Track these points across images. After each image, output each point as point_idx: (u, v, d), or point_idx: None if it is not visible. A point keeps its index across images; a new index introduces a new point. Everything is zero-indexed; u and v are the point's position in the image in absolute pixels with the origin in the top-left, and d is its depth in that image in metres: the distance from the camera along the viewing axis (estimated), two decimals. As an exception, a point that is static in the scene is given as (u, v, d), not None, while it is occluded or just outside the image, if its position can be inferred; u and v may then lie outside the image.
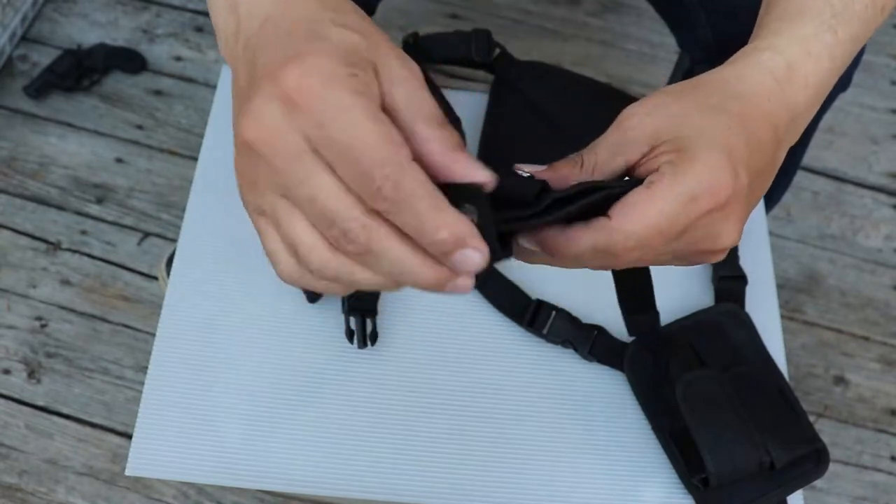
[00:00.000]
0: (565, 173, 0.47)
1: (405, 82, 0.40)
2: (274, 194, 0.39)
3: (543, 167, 0.48)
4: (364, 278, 0.39)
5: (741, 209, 0.46)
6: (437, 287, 0.39)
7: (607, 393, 0.75)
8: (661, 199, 0.44)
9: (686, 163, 0.45)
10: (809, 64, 0.51)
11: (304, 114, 0.37)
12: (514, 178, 0.45)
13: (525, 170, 0.46)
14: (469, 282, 0.39)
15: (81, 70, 1.43)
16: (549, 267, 0.49)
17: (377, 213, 0.38)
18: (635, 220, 0.44)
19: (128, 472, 0.68)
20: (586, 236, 0.45)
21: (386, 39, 0.42)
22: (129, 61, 1.47)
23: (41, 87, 1.41)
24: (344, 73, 0.38)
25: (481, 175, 0.39)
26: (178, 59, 1.50)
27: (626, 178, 0.48)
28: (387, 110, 0.39)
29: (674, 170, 0.45)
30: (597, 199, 0.44)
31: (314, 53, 0.38)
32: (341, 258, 0.39)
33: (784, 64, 0.50)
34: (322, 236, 0.39)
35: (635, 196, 0.45)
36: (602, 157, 0.47)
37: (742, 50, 0.52)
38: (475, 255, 0.37)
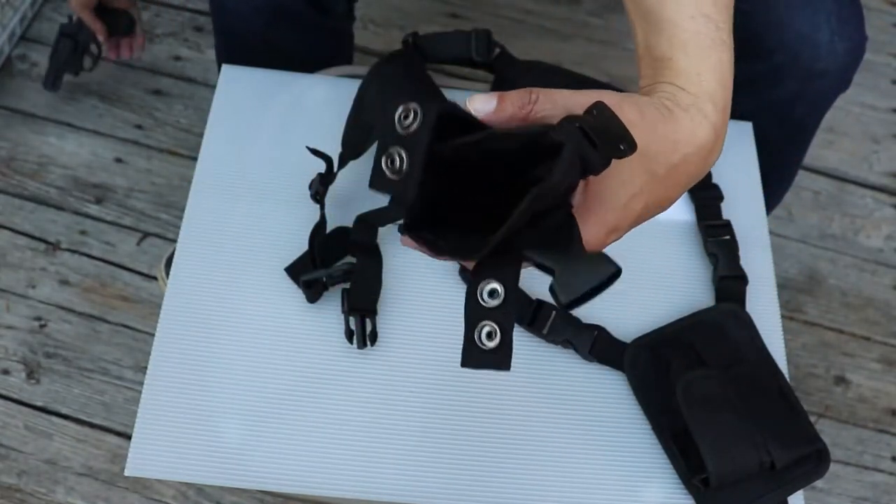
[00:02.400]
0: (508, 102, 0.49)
1: None
2: None
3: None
4: None
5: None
6: None
7: (607, 393, 0.75)
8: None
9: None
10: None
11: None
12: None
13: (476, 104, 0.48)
14: None
15: (80, 49, 1.39)
16: (548, 267, 0.50)
17: None
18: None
19: (127, 473, 0.68)
20: None
21: None
22: (118, 22, 1.39)
23: (56, 78, 1.38)
24: None
25: None
26: (178, 58, 1.50)
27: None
28: None
29: None
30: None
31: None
32: None
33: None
34: None
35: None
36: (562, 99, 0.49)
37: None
38: None
